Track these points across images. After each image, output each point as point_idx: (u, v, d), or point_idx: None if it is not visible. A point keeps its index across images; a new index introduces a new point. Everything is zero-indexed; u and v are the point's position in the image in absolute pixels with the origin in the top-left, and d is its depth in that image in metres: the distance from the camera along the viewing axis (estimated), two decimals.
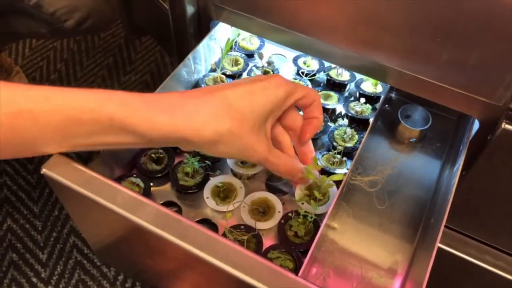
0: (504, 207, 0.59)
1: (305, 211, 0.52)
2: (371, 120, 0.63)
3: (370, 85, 0.68)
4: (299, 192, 0.52)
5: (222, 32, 0.68)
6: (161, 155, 0.59)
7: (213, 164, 0.59)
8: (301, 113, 0.50)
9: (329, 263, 0.52)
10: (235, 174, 0.59)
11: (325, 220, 0.48)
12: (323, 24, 0.54)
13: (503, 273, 0.67)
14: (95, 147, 0.41)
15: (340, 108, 0.66)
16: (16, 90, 0.37)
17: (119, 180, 0.56)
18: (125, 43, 1.49)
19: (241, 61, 0.70)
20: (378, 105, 0.66)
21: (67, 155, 0.45)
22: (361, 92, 0.67)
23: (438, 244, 0.44)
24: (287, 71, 0.71)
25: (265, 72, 0.68)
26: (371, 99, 0.66)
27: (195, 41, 0.68)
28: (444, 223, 0.46)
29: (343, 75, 0.69)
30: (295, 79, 0.68)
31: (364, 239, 0.54)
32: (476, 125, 0.54)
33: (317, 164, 0.51)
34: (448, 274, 0.73)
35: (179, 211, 0.56)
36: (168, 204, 0.57)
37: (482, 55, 0.46)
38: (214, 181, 0.57)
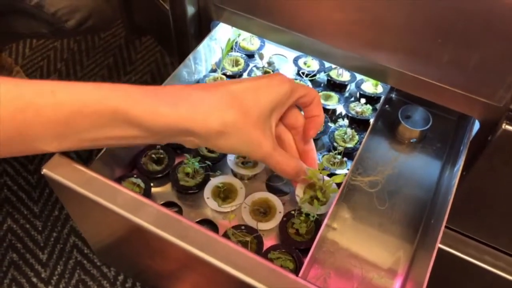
0: (504, 208, 0.59)
1: (307, 210, 0.52)
2: (371, 120, 0.63)
3: (370, 86, 0.68)
4: (300, 192, 0.52)
5: (222, 33, 0.68)
6: (162, 156, 0.60)
7: (213, 165, 0.59)
8: (302, 113, 0.51)
9: (330, 263, 0.52)
10: (235, 175, 0.59)
11: (325, 221, 0.48)
12: (324, 25, 0.54)
13: (503, 274, 0.67)
14: (99, 143, 0.40)
15: (340, 109, 0.66)
16: (21, 85, 0.37)
17: (119, 180, 0.56)
18: (126, 43, 1.49)
19: (242, 61, 0.70)
20: (378, 106, 0.66)
21: (67, 155, 0.45)
22: (361, 92, 0.67)
23: (439, 245, 0.44)
24: (288, 71, 0.71)
25: (266, 73, 0.68)
26: (371, 99, 0.66)
27: (195, 42, 0.68)
28: (444, 223, 0.46)
29: (344, 75, 0.69)
30: (296, 79, 0.68)
31: (365, 239, 0.54)
32: (476, 126, 0.54)
33: (324, 169, 0.51)
34: (448, 275, 0.73)
35: (180, 211, 0.56)
36: (168, 204, 0.57)
37: (483, 56, 0.46)
38: (214, 181, 0.57)
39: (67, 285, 0.99)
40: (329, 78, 0.69)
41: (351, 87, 0.69)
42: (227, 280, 0.40)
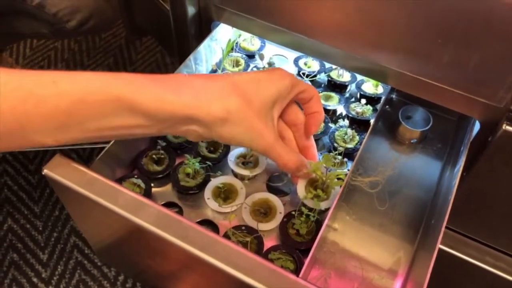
0: (505, 208, 0.59)
1: (308, 211, 0.52)
2: (372, 121, 0.63)
3: (371, 86, 0.68)
4: (302, 188, 0.52)
5: (223, 33, 0.68)
6: (162, 156, 0.60)
7: (214, 165, 0.59)
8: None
9: (330, 264, 0.52)
10: (236, 175, 0.59)
11: (326, 221, 0.48)
12: (324, 25, 0.54)
13: (503, 274, 0.67)
14: (101, 134, 0.40)
15: (341, 109, 0.66)
16: (22, 76, 0.37)
17: (120, 181, 0.56)
18: (126, 43, 1.49)
19: (242, 62, 0.70)
20: (379, 106, 0.66)
21: (68, 156, 0.45)
22: (362, 93, 0.67)
23: (439, 245, 0.44)
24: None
25: None
26: (372, 100, 0.66)
27: (196, 42, 0.68)
28: (444, 224, 0.46)
29: (344, 76, 0.69)
30: None
31: (365, 240, 0.54)
32: (477, 127, 0.54)
33: (329, 160, 0.51)
34: (449, 275, 0.73)
35: (180, 212, 0.56)
36: (169, 205, 0.57)
37: (483, 57, 0.46)
38: (215, 182, 0.57)
39: (68, 285, 0.99)
40: (329, 78, 0.69)
41: (352, 87, 0.69)
42: (227, 281, 0.40)
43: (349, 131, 0.62)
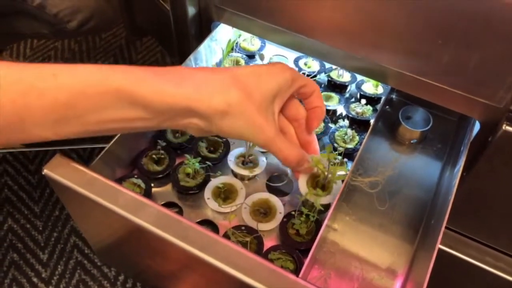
0: (505, 209, 0.59)
1: (308, 211, 0.52)
2: (372, 121, 0.63)
3: (371, 86, 0.68)
4: (303, 183, 0.51)
5: (223, 33, 0.68)
6: (162, 156, 0.60)
7: (214, 165, 0.59)
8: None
9: (330, 264, 0.52)
10: (236, 175, 0.59)
11: (325, 221, 0.48)
12: (324, 26, 0.54)
13: (503, 274, 0.67)
14: (101, 127, 0.40)
15: (341, 109, 0.66)
16: (21, 69, 0.37)
17: (120, 181, 0.56)
18: (126, 43, 1.49)
19: (242, 62, 0.70)
20: (379, 106, 0.66)
21: (68, 156, 0.45)
22: (362, 93, 0.67)
23: (439, 245, 0.44)
24: None
25: None
26: (372, 100, 0.66)
27: (196, 42, 0.68)
28: (444, 224, 0.46)
29: (344, 76, 0.69)
30: None
31: (365, 240, 0.54)
32: (477, 127, 0.54)
33: (331, 152, 0.50)
34: (449, 275, 0.73)
35: (180, 212, 0.56)
36: (169, 205, 0.57)
37: (483, 57, 0.46)
38: (215, 182, 0.57)
39: (68, 285, 0.99)
40: (329, 79, 0.69)
41: (352, 87, 0.69)
42: (227, 281, 0.40)
43: (349, 131, 0.62)
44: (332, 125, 0.64)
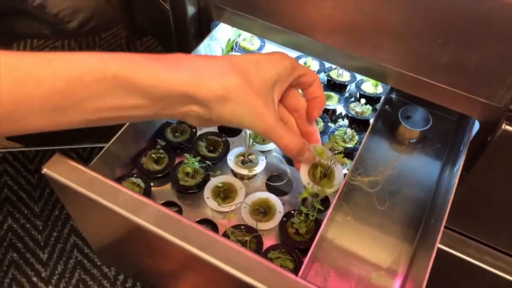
0: (504, 208, 0.59)
1: (307, 210, 0.52)
2: (371, 120, 0.63)
3: (370, 86, 0.68)
4: (305, 173, 0.49)
5: (223, 33, 0.68)
6: (162, 155, 0.60)
7: (213, 165, 0.59)
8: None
9: (329, 263, 0.52)
10: (235, 175, 0.59)
11: (325, 221, 0.48)
12: (324, 25, 0.54)
13: (502, 274, 0.67)
14: (98, 115, 0.39)
15: (340, 109, 0.66)
16: (21, 57, 0.36)
17: (119, 180, 0.56)
18: (126, 43, 1.49)
19: None
20: (378, 106, 0.66)
21: (68, 155, 0.45)
22: (361, 92, 0.67)
23: (438, 245, 0.44)
24: None
25: None
26: (371, 99, 0.67)
27: (196, 42, 0.68)
28: (444, 223, 0.46)
29: (344, 75, 0.69)
30: None
31: (365, 239, 0.54)
32: (476, 126, 0.54)
33: (336, 142, 0.49)
34: (448, 275, 0.73)
35: (180, 211, 0.56)
36: (168, 204, 0.57)
37: (483, 57, 0.46)
38: (214, 181, 0.57)
39: (68, 284, 0.99)
40: (329, 78, 0.69)
41: (351, 87, 0.69)
42: (227, 280, 0.40)
43: (349, 130, 0.62)
44: (331, 125, 0.64)
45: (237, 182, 0.58)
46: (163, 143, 0.59)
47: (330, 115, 0.66)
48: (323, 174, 0.49)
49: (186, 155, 0.58)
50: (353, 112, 0.65)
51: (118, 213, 0.42)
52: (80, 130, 1.26)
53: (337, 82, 0.68)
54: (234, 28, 0.69)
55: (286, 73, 0.44)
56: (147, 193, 0.56)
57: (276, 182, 0.59)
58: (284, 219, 0.54)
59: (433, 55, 0.49)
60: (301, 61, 0.70)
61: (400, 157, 0.62)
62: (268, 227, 0.54)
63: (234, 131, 0.64)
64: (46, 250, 1.04)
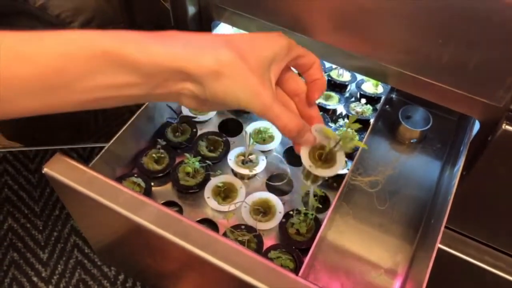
0: (504, 208, 0.59)
1: (306, 209, 0.52)
2: (371, 120, 0.63)
3: (371, 86, 0.68)
4: (305, 157, 0.47)
5: (223, 32, 0.69)
6: (162, 155, 0.60)
7: (214, 164, 0.59)
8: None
9: (330, 263, 0.52)
10: (235, 174, 0.59)
11: (325, 221, 0.48)
12: (324, 25, 0.54)
13: (502, 274, 0.67)
14: (89, 95, 0.38)
15: (340, 109, 0.67)
16: (5, 35, 0.35)
17: (120, 180, 0.56)
18: None
19: None
20: (378, 106, 0.66)
21: (68, 155, 0.45)
22: (362, 92, 0.67)
23: (438, 245, 0.44)
24: None
25: None
26: (372, 99, 0.67)
27: None
28: (444, 223, 0.46)
29: (344, 75, 0.69)
30: None
31: (365, 239, 0.54)
32: (476, 126, 0.54)
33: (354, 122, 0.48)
34: (448, 275, 0.73)
35: (180, 211, 0.57)
36: (169, 203, 0.57)
37: (483, 57, 0.46)
38: (214, 181, 0.57)
39: (68, 284, 0.99)
40: (329, 78, 0.69)
41: (352, 87, 0.69)
42: (227, 279, 0.40)
43: (349, 130, 0.62)
44: (332, 125, 0.64)
45: (237, 182, 0.58)
46: (164, 143, 0.60)
47: (330, 115, 0.66)
48: (325, 157, 0.47)
49: (187, 154, 0.58)
50: (353, 112, 0.65)
51: (119, 212, 0.42)
52: (80, 130, 1.25)
53: (338, 82, 0.68)
54: (234, 28, 0.69)
55: (283, 52, 0.43)
56: (147, 192, 0.56)
57: (276, 182, 0.59)
58: (284, 220, 0.54)
59: (434, 55, 0.49)
60: None
61: (400, 157, 0.62)
62: (268, 227, 0.54)
63: (235, 131, 0.64)
64: (46, 250, 1.04)
